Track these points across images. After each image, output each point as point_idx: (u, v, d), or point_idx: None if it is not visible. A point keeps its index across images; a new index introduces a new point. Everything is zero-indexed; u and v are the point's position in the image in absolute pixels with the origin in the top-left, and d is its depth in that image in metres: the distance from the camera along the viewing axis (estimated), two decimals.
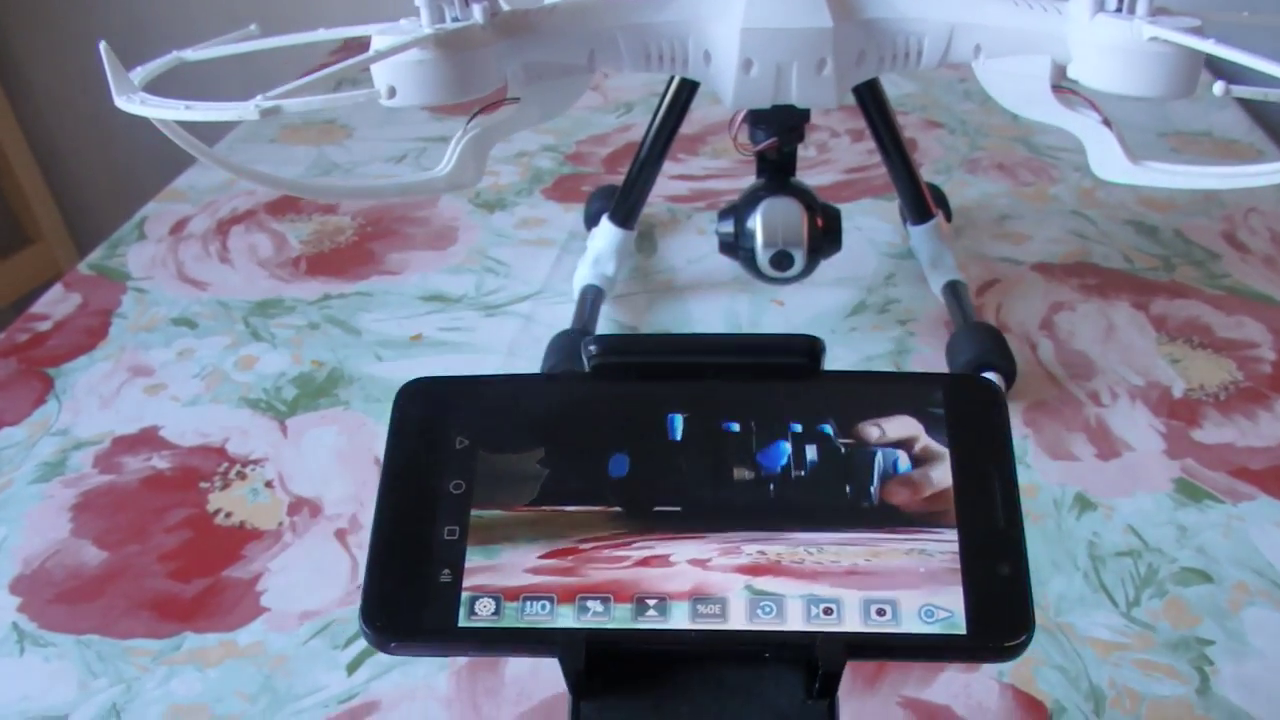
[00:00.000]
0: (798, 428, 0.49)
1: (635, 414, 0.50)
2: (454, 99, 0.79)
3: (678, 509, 0.47)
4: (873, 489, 0.47)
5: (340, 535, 0.89)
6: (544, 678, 0.76)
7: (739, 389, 0.50)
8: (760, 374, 0.50)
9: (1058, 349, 1.08)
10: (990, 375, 0.98)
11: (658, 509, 0.48)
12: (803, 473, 0.48)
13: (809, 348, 0.50)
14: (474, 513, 0.48)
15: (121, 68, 0.77)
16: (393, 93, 0.77)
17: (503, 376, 0.53)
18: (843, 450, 0.48)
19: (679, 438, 0.49)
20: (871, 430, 0.49)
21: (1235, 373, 1.04)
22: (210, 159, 0.80)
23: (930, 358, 1.06)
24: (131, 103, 0.77)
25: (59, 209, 2.27)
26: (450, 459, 0.49)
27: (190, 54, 0.84)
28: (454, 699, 0.75)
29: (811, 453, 0.48)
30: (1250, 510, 0.89)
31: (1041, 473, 0.93)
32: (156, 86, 0.80)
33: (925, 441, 0.48)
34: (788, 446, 0.48)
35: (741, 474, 0.48)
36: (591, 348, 0.51)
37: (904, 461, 0.48)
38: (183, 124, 0.76)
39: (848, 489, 0.47)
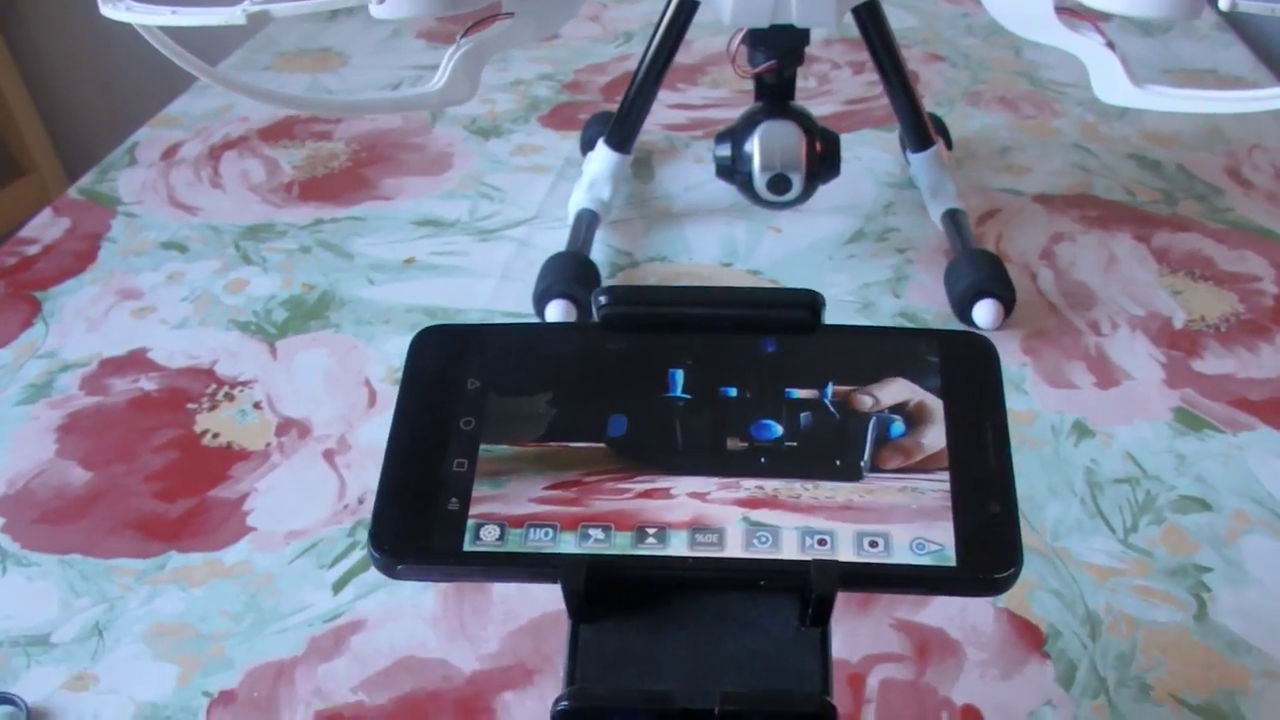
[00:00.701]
0: (794, 394, 0.50)
1: (637, 370, 0.51)
2: (446, 9, 0.77)
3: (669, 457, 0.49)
4: (864, 460, 0.48)
5: (328, 456, 0.88)
6: (532, 598, 0.75)
7: (740, 346, 0.51)
8: (763, 328, 0.51)
9: (1058, 278, 1.06)
10: (989, 302, 0.97)
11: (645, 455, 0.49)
12: (795, 444, 0.49)
13: (810, 302, 0.51)
14: (483, 447, 0.49)
15: None
16: None
17: (514, 325, 0.55)
18: (838, 418, 0.49)
19: (678, 399, 0.50)
20: (866, 399, 0.49)
21: (1237, 305, 1.03)
22: (199, 71, 0.79)
23: (929, 285, 1.05)
24: (117, 9, 0.75)
25: (51, 139, 2.25)
26: (462, 398, 0.50)
27: None
28: (440, 617, 0.74)
29: (806, 420, 0.49)
30: (1250, 440, 0.88)
31: (1040, 400, 0.92)
32: None
33: (920, 400, 0.49)
34: (781, 421, 0.49)
35: (736, 444, 0.49)
36: (601, 299, 0.52)
37: (899, 425, 0.49)
38: (173, 34, 0.75)
39: (840, 459, 0.48)
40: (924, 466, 0.48)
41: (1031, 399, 0.91)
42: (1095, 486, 0.83)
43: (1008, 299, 0.98)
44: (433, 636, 0.73)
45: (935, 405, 0.49)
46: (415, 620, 0.74)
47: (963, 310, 0.99)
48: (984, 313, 0.97)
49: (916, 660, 0.71)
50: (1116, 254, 1.10)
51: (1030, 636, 0.73)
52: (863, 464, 0.48)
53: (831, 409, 0.49)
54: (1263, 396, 0.92)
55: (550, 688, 0.70)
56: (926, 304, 1.03)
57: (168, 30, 0.77)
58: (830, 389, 0.50)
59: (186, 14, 0.71)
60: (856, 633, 0.73)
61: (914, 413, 0.49)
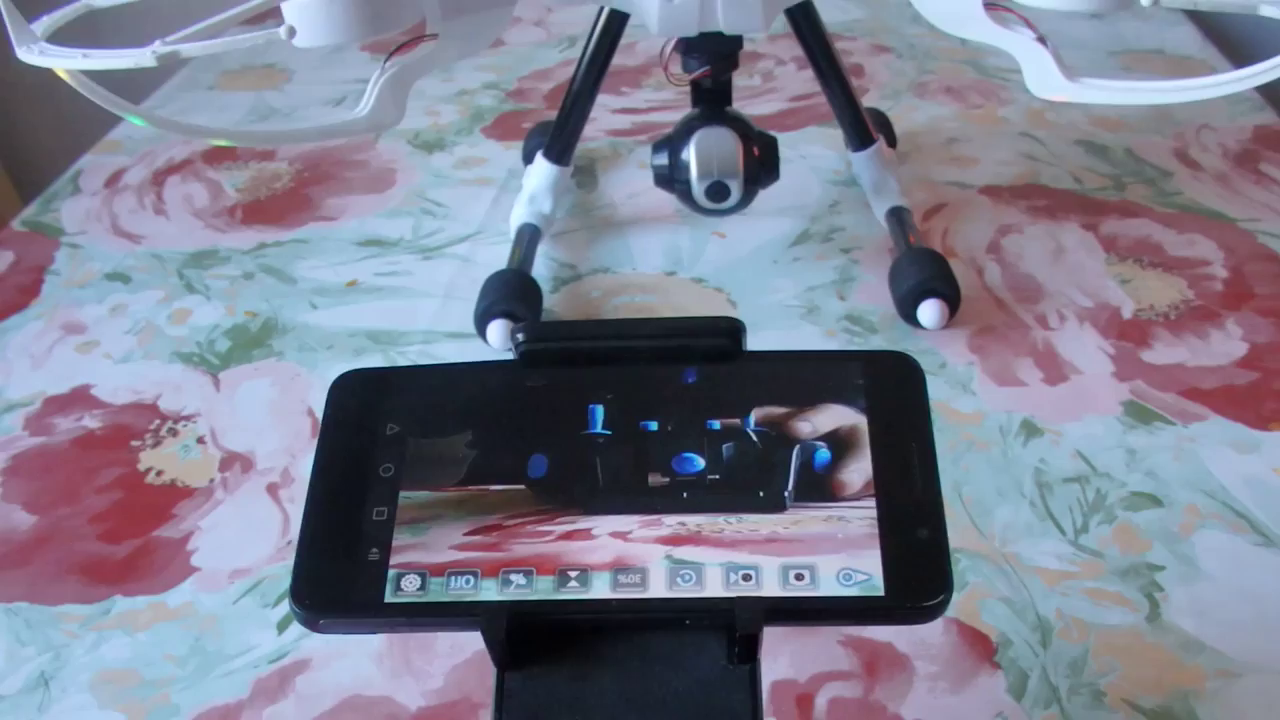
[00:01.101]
0: (715, 425, 0.49)
1: (557, 407, 0.50)
2: (363, 37, 0.76)
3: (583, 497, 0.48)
4: (788, 490, 0.47)
5: (272, 490, 0.87)
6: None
7: (662, 377, 0.51)
8: (684, 357, 0.51)
9: (1005, 272, 1.06)
10: (934, 302, 0.96)
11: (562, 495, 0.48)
12: (718, 476, 0.48)
13: (730, 330, 0.51)
14: (402, 494, 0.49)
15: (20, 17, 0.74)
16: (292, 32, 0.73)
17: (433, 366, 0.54)
18: (760, 448, 0.48)
19: (598, 436, 0.49)
20: (791, 426, 0.49)
21: (1186, 291, 1.03)
22: (121, 110, 0.78)
23: (875, 286, 1.04)
24: (31, 53, 0.74)
25: (3, 163, 2.24)
26: (381, 444, 0.50)
27: (99, 0, 0.82)
28: (385, 654, 0.74)
29: (729, 451, 0.48)
30: (1201, 431, 0.87)
31: (987, 400, 0.91)
32: (65, 37, 0.77)
33: (845, 425, 0.49)
34: (703, 453, 0.49)
35: (658, 480, 0.48)
36: (519, 336, 0.51)
37: (823, 452, 0.48)
38: (93, 75, 0.74)
39: (764, 490, 0.47)
40: (849, 494, 0.47)
41: (979, 399, 0.91)
42: (1045, 487, 0.83)
43: (952, 298, 0.97)
44: (378, 674, 0.73)
45: (860, 430, 0.48)
46: (360, 657, 0.74)
47: (907, 311, 0.98)
48: (928, 313, 0.97)
49: (865, 677, 0.70)
50: (1064, 244, 1.10)
51: (981, 647, 0.72)
52: (786, 494, 0.47)
53: (754, 439, 0.49)
54: (1213, 385, 0.92)
55: None
56: (873, 304, 1.02)
57: (89, 71, 0.76)
58: (752, 418, 0.49)
59: (98, 57, 0.70)
60: (803, 651, 0.72)
61: (839, 438, 0.48)
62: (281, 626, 0.76)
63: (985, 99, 1.38)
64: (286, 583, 0.78)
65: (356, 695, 0.72)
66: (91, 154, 1.41)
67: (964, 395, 0.91)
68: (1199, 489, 0.82)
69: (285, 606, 0.77)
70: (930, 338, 0.97)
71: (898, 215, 1.06)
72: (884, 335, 0.98)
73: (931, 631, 0.73)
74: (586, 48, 1.02)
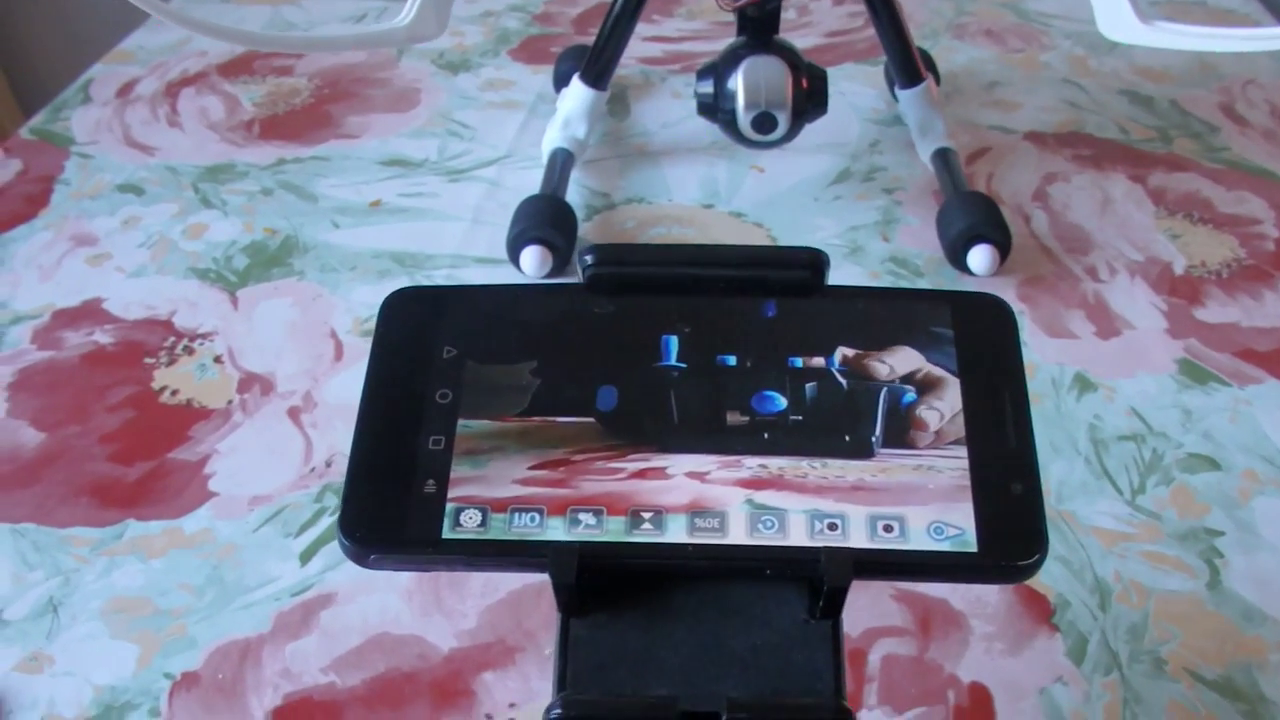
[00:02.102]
0: (798, 363, 0.46)
1: (628, 337, 0.47)
2: None
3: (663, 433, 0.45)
4: (876, 435, 0.44)
5: (293, 414, 0.84)
6: None
7: (739, 309, 0.47)
8: (763, 289, 0.48)
9: (1052, 221, 1.03)
10: (985, 247, 0.93)
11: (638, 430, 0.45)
12: (801, 418, 0.45)
13: (813, 262, 0.47)
14: (461, 422, 0.45)
15: None
16: None
17: (493, 286, 0.50)
18: (846, 389, 0.45)
19: (672, 369, 0.46)
20: (878, 367, 0.46)
21: (1238, 250, 0.99)
22: (153, 9, 0.74)
23: (918, 229, 1.01)
24: None
25: (4, 73, 2.19)
26: (437, 368, 0.47)
27: None
28: (415, 590, 0.71)
29: (812, 392, 0.45)
30: (1257, 394, 0.85)
31: (1039, 351, 0.88)
32: None
33: (933, 369, 0.46)
34: (785, 392, 0.45)
35: (736, 419, 0.45)
36: (587, 258, 0.48)
37: (911, 396, 0.45)
38: None
39: (850, 434, 0.45)
40: (940, 442, 0.44)
41: (1030, 350, 0.88)
42: (1099, 444, 0.80)
43: (1003, 244, 0.94)
44: (407, 611, 0.69)
45: (950, 376, 0.45)
46: (388, 594, 0.71)
47: (956, 255, 0.95)
48: (979, 258, 0.93)
49: (920, 635, 0.68)
50: (1111, 195, 1.07)
51: (1038, 607, 0.69)
52: (874, 439, 0.44)
53: (840, 379, 0.45)
54: (1269, 347, 0.89)
55: (533, 667, 0.66)
56: (918, 248, 0.99)
57: None
58: (837, 357, 0.46)
59: None
60: (855, 604, 0.69)
61: (927, 384, 0.45)
62: (305, 558, 0.73)
63: (1026, 44, 1.34)
64: (309, 512, 0.76)
65: (384, 633, 0.69)
66: (103, 63, 1.37)
67: None
68: (1257, 454, 0.80)
69: (309, 536, 0.74)
70: (978, 284, 0.94)
71: (944, 157, 1.03)
72: (929, 279, 0.95)
73: (987, 589, 0.70)
74: None
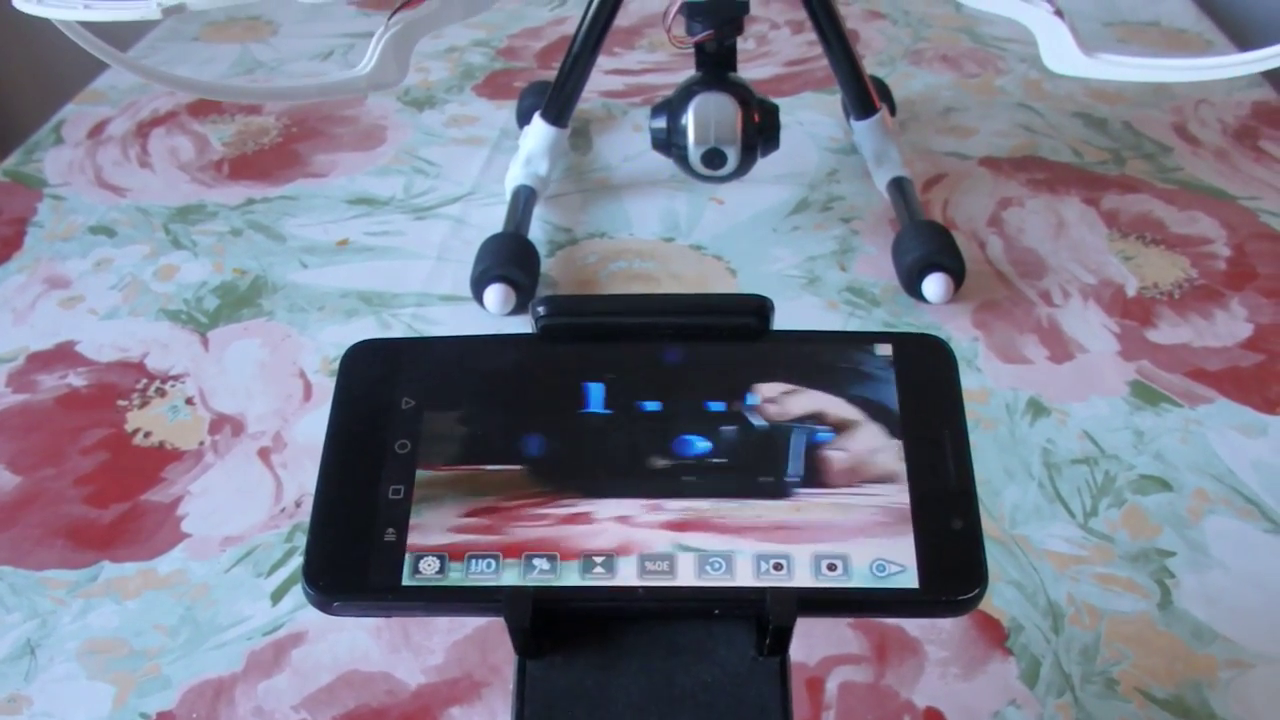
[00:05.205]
0: (719, 407, 0.47)
1: (557, 385, 0.48)
2: None
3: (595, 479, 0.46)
4: (791, 473, 0.46)
5: (263, 454, 0.85)
6: None
7: (664, 356, 0.49)
8: (711, 335, 0.49)
9: (1007, 246, 1.05)
10: (939, 275, 0.95)
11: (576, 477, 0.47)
12: (722, 460, 0.46)
13: (759, 308, 0.49)
14: (419, 471, 0.47)
15: None
16: None
17: (450, 338, 0.51)
18: (760, 429, 0.47)
19: (597, 415, 0.48)
20: (790, 406, 0.47)
21: (1189, 270, 1.02)
22: (114, 60, 0.76)
23: (876, 257, 1.02)
24: (28, 3, 0.72)
25: None
26: (396, 419, 0.48)
27: None
28: (384, 628, 0.72)
29: (729, 435, 0.47)
30: (1208, 414, 0.86)
31: (993, 377, 0.90)
32: None
33: (870, 412, 0.47)
34: (704, 436, 0.47)
35: (659, 462, 0.46)
36: (540, 309, 0.49)
37: (823, 434, 0.47)
38: (89, 26, 0.72)
39: (767, 473, 0.46)
40: (856, 480, 0.45)
41: (985, 376, 0.90)
42: (1053, 468, 0.82)
43: (957, 272, 0.96)
44: (375, 648, 0.71)
45: (889, 414, 0.47)
46: (357, 631, 0.72)
47: (911, 284, 0.97)
48: (934, 286, 0.95)
49: (876, 661, 0.69)
50: (1065, 218, 1.09)
51: (992, 632, 0.71)
52: (790, 479, 0.46)
53: (753, 421, 0.47)
54: (1219, 366, 0.91)
55: (499, 702, 0.68)
56: (874, 277, 1.00)
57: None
58: (755, 399, 0.47)
59: (101, 8, 0.68)
60: (812, 633, 0.71)
61: (860, 422, 0.47)
62: (275, 597, 0.75)
63: (981, 68, 1.37)
64: (279, 551, 0.78)
65: (354, 670, 0.70)
66: (74, 104, 1.38)
67: (970, 372, 0.89)
68: (1207, 473, 0.82)
69: (279, 576, 0.76)
70: (933, 312, 0.96)
71: (899, 186, 1.05)
72: (886, 308, 0.97)
73: None
74: (589, 6, 1.00)
